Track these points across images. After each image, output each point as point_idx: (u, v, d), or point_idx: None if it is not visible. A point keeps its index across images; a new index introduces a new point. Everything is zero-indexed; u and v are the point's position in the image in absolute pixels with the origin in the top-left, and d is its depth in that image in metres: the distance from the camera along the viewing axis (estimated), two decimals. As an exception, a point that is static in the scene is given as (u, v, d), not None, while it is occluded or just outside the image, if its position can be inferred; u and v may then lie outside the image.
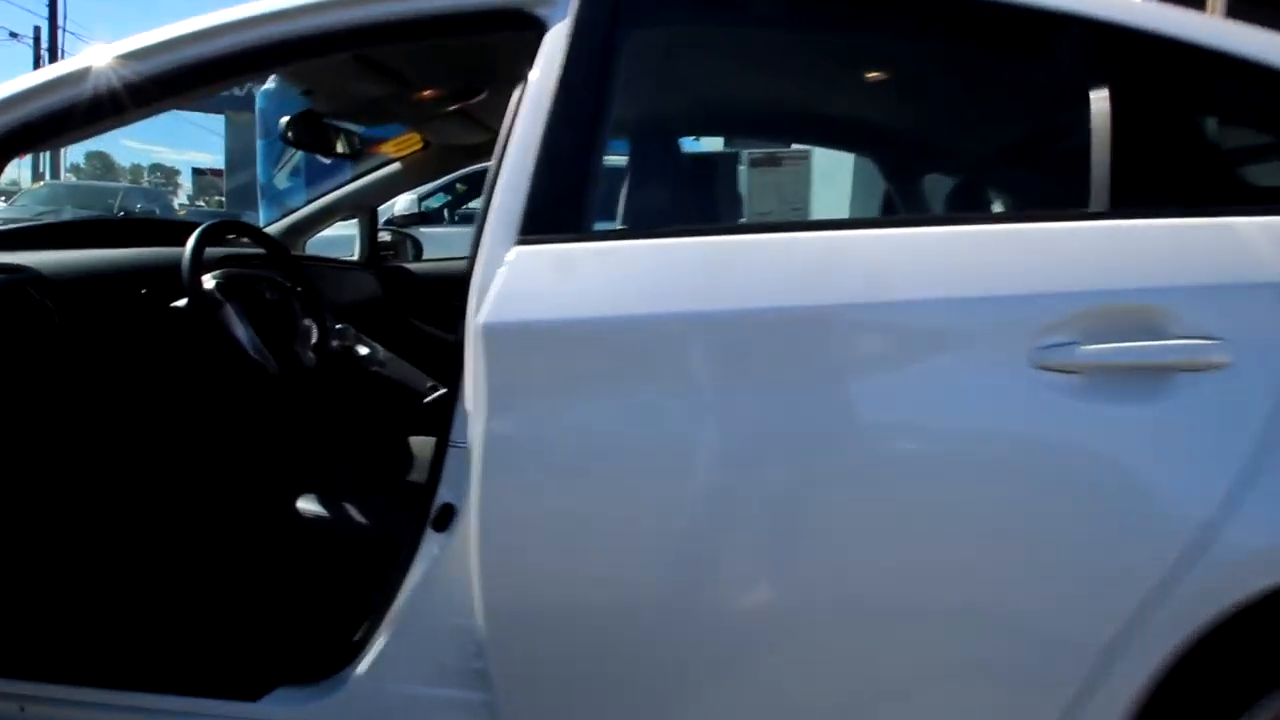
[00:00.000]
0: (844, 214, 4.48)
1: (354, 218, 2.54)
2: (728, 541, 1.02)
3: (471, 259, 1.08)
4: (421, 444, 1.71)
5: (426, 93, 1.72)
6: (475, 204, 6.64)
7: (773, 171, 4.80)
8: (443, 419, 1.11)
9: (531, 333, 1.00)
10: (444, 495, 1.11)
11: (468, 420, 1.06)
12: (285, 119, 1.78)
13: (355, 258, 2.55)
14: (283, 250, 1.68)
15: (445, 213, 6.09)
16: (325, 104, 1.72)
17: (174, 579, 1.42)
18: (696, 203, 1.49)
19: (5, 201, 12.03)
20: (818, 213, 4.79)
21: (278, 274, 1.63)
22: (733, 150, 4.83)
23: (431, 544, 1.11)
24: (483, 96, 1.88)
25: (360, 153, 2.04)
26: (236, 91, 14.36)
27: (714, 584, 1.02)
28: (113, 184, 20.40)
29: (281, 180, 7.27)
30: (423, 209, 5.62)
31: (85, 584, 1.37)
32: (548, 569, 1.04)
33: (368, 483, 1.52)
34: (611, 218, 1.21)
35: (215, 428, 1.61)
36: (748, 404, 0.97)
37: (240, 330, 1.43)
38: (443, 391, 1.81)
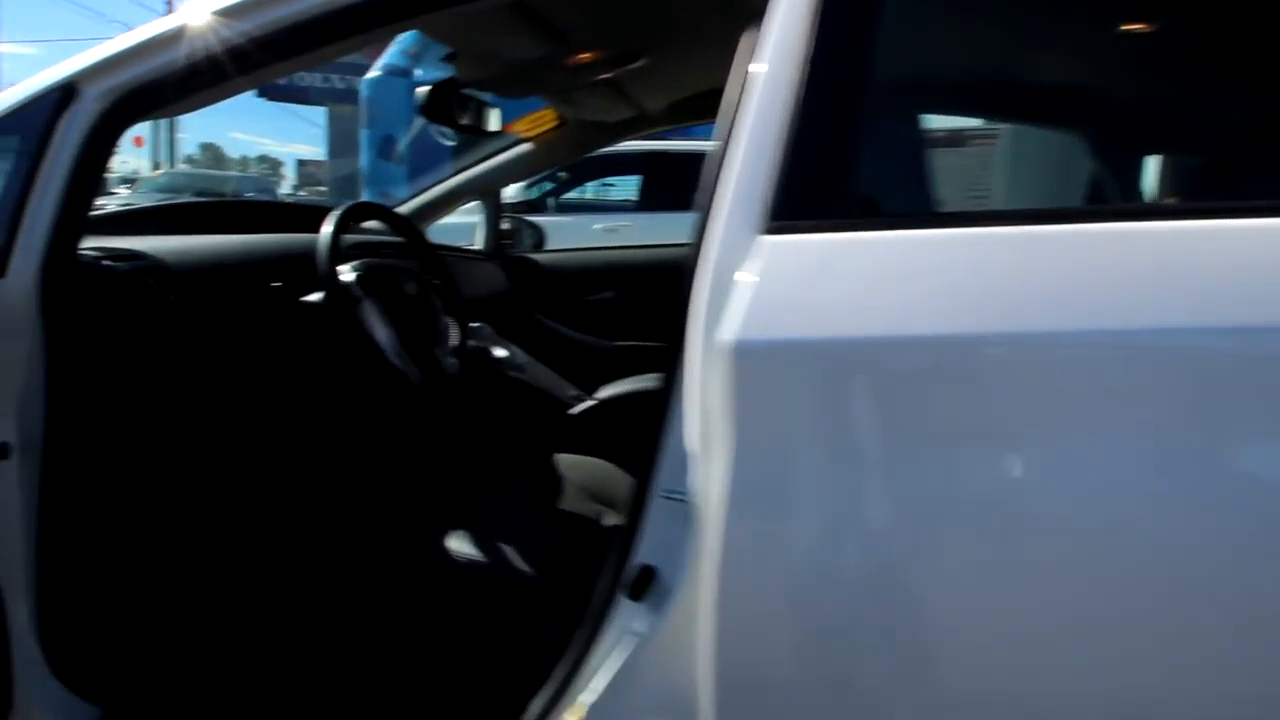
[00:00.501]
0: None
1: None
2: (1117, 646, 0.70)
3: (694, 251, 0.82)
4: (572, 464, 1.48)
5: (583, 55, 1.48)
6: (576, 193, 6.50)
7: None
8: (644, 459, 0.86)
9: (806, 354, 0.73)
10: (644, 555, 0.86)
11: (687, 464, 0.80)
12: (423, 89, 1.57)
13: (477, 246, 2.34)
14: (422, 239, 1.47)
15: (548, 201, 5.91)
16: (469, 69, 1.50)
17: (302, 627, 1.23)
18: (1019, 179, 1.18)
19: (129, 189, 12.68)
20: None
21: (416, 265, 1.42)
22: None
23: (626, 614, 0.86)
24: (639, 64, 1.63)
25: (494, 130, 1.82)
26: (338, 84, 14.80)
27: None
28: (225, 173, 21.46)
29: (384, 169, 7.26)
30: (527, 197, 5.46)
31: (198, 622, 1.19)
32: (814, 657, 0.77)
33: (518, 514, 1.29)
34: (895, 197, 0.92)
35: (349, 444, 1.41)
36: (1139, 458, 0.66)
37: (380, 330, 1.23)
38: (592, 402, 1.58)
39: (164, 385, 1.15)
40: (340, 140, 13.77)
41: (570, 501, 1.37)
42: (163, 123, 21.70)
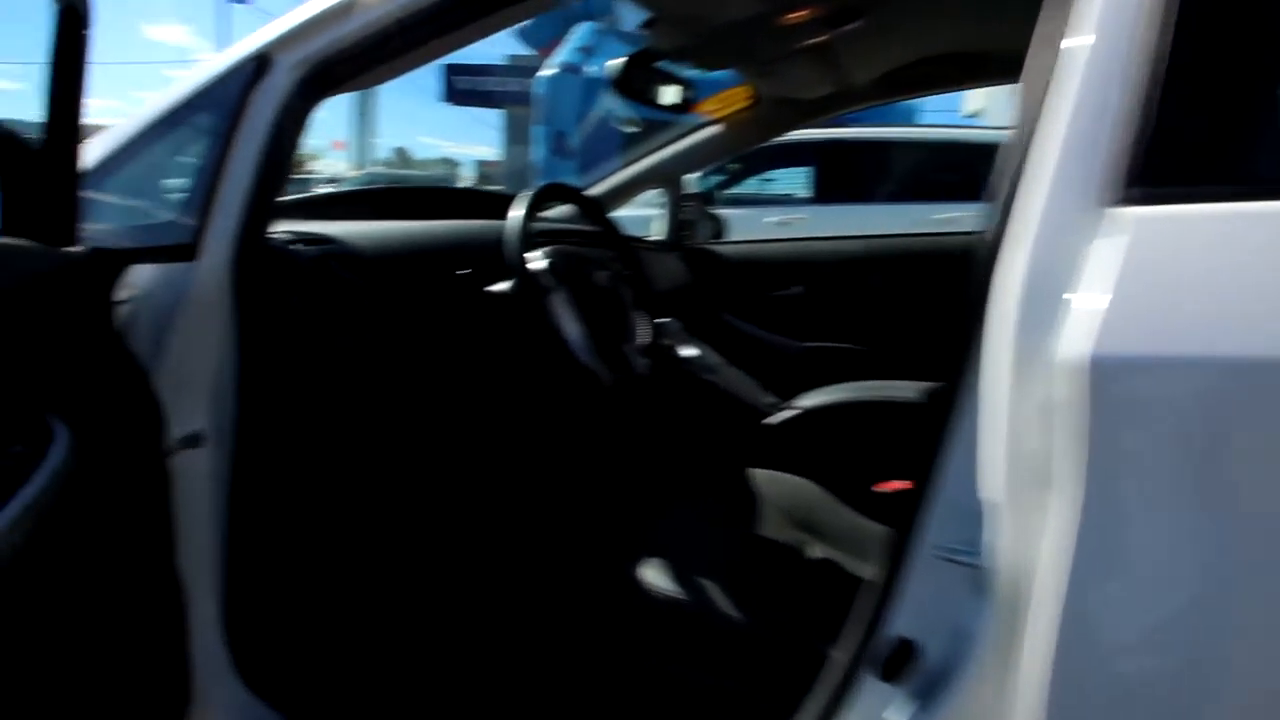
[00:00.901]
0: None
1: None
2: None
3: (996, 236, 0.61)
4: (770, 481, 1.29)
5: (797, 14, 1.28)
6: (747, 186, 6.28)
7: None
8: (906, 506, 0.67)
9: (1199, 374, 0.50)
10: (903, 626, 0.66)
11: (979, 516, 0.60)
12: (614, 63, 1.44)
13: (658, 236, 2.21)
14: (615, 226, 1.34)
15: (717, 194, 5.74)
16: (669, 35, 1.35)
17: (483, 648, 1.13)
18: None
19: (333, 189, 13.86)
20: None
21: (608, 254, 1.29)
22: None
23: (874, 697, 0.67)
24: (857, 24, 1.41)
25: (684, 107, 1.66)
26: (515, 86, 15.41)
27: None
28: (416, 173, 23.22)
29: (556, 164, 7.39)
30: (699, 189, 5.31)
31: (378, 633, 1.12)
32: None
33: (714, 540, 1.13)
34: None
35: (534, 448, 1.31)
36: None
37: (570, 325, 1.10)
38: (793, 412, 1.38)
39: (349, 375, 1.08)
40: (515, 139, 14.32)
41: (769, 526, 1.19)
42: (359, 127, 23.68)
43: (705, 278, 2.16)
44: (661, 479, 1.31)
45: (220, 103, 0.96)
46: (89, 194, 1.01)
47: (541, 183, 1.19)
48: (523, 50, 12.76)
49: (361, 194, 1.55)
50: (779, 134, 2.10)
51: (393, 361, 1.09)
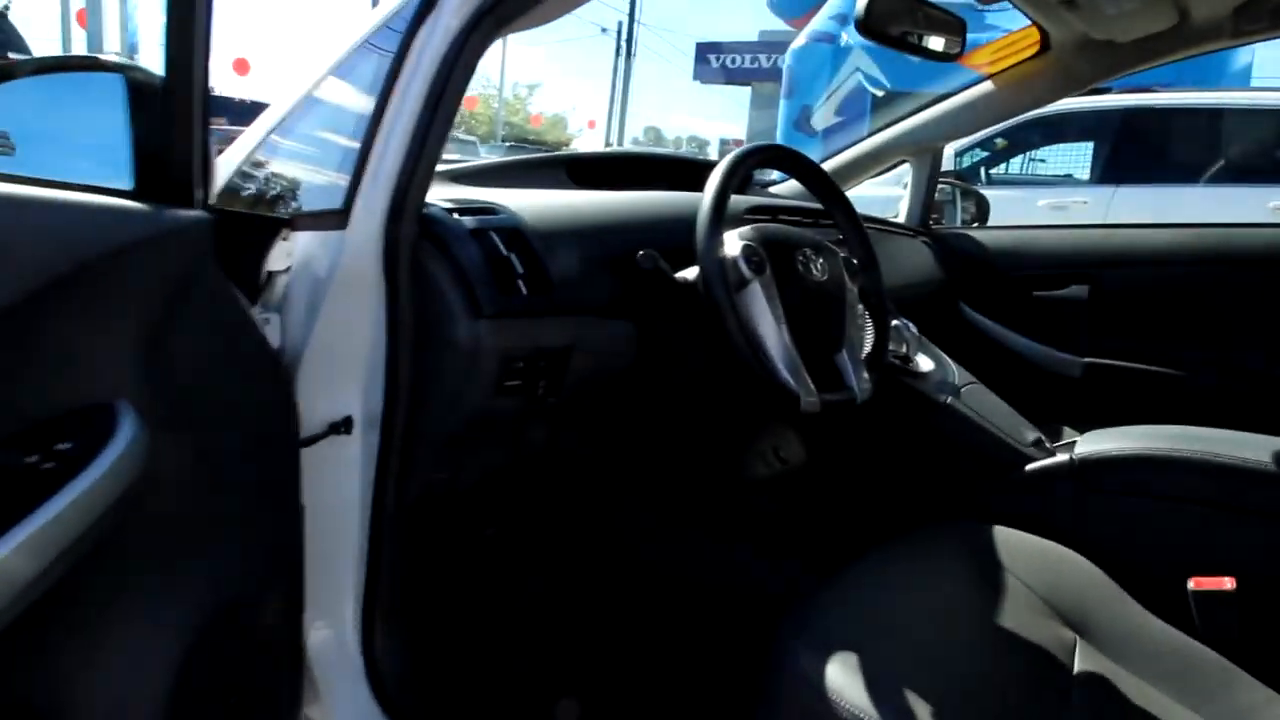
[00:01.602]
0: None
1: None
2: None
3: None
4: (1030, 552, 0.96)
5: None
6: (1010, 165, 5.48)
7: None
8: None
9: None
10: None
11: None
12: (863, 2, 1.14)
13: (900, 218, 1.86)
14: (844, 201, 1.06)
15: (981, 172, 5.05)
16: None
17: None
18: None
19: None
20: None
21: (830, 238, 1.03)
22: None
23: None
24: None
25: (954, 55, 1.33)
26: (763, 63, 15.06)
27: None
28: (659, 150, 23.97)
29: (798, 139, 7.02)
30: (957, 168, 4.68)
31: (522, 664, 0.97)
32: None
33: (943, 633, 0.83)
34: None
35: (715, 486, 1.09)
36: None
37: (770, 329, 0.86)
38: (1062, 459, 1.03)
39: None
40: (761, 116, 14.01)
41: (1021, 615, 0.87)
42: (613, 106, 24.60)
43: (957, 271, 1.79)
44: (875, 534, 1.03)
45: (380, 48, 0.84)
46: (258, 153, 0.95)
47: (747, 145, 0.95)
48: (779, 25, 12.39)
49: (548, 159, 1.39)
50: (1072, 92, 1.65)
51: (553, 357, 0.92)
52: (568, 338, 0.91)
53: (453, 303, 0.86)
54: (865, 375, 0.97)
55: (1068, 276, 1.72)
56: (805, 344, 0.90)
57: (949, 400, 1.13)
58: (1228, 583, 0.90)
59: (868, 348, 1.03)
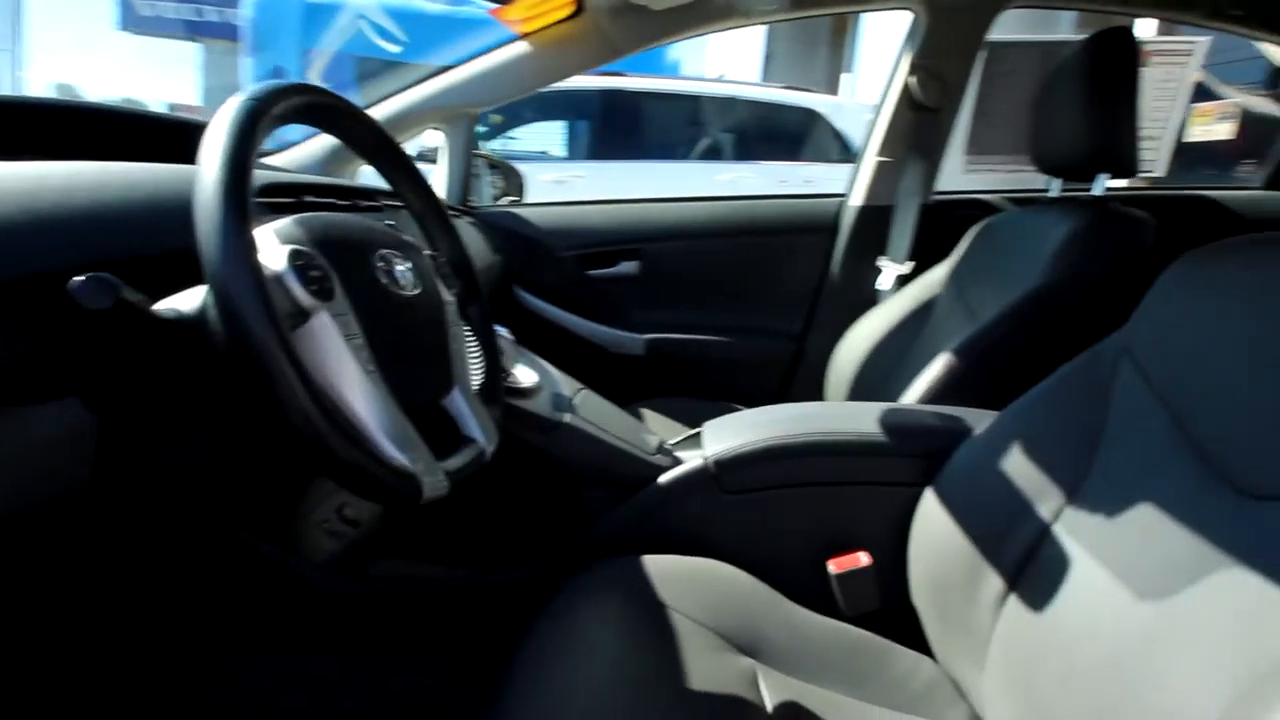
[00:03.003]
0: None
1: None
2: None
3: None
4: (681, 573, 0.83)
5: None
6: (505, 142, 5.62)
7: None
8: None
9: None
10: None
11: None
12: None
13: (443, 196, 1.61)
14: (419, 177, 0.75)
15: (480, 147, 5.03)
16: None
17: None
18: None
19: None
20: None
21: (401, 231, 0.72)
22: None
23: None
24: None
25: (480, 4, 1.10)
26: (213, 17, 13.01)
27: None
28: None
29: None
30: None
31: None
32: None
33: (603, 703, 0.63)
34: None
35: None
36: None
37: (354, 383, 0.53)
38: (696, 464, 0.92)
39: None
40: (219, 81, 12.09)
41: (700, 661, 0.73)
42: None
43: (506, 251, 1.61)
44: (512, 610, 0.79)
45: None
46: None
47: (271, 84, 0.57)
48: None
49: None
50: (605, 60, 1.57)
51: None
52: None
53: None
54: (488, 416, 0.70)
55: (617, 253, 1.68)
56: (406, 393, 0.59)
57: (567, 418, 0.93)
58: (863, 558, 0.89)
59: (479, 378, 0.76)
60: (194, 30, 13.63)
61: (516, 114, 4.98)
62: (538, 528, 0.96)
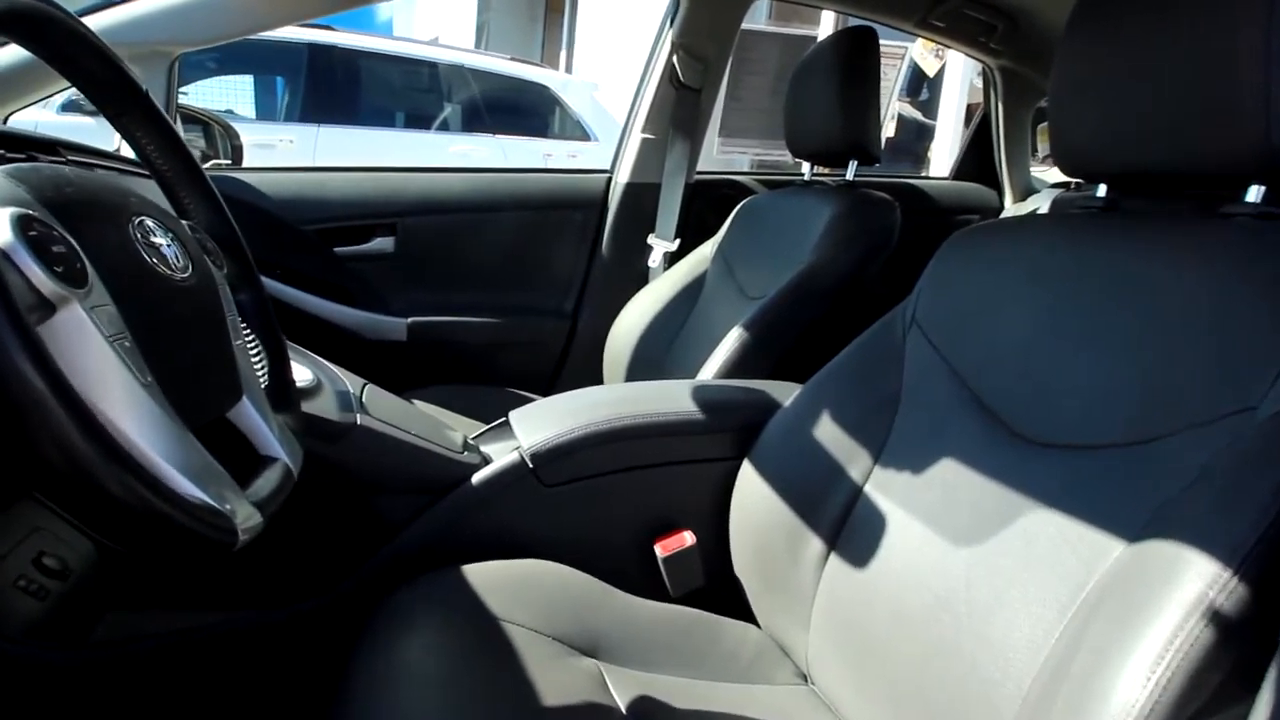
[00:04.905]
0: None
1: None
2: None
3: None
4: (512, 578, 0.76)
5: None
6: (184, 96, 4.80)
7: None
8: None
9: None
10: None
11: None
12: None
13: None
14: (172, 132, 0.57)
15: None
16: None
17: None
18: None
19: None
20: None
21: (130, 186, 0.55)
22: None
23: None
24: None
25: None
26: None
27: None
28: None
29: None
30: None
31: None
32: None
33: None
34: None
35: None
36: None
37: (125, 398, 0.38)
38: (511, 459, 0.84)
39: None
40: None
41: (546, 673, 0.68)
42: None
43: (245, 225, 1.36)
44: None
45: None
46: None
47: None
48: None
49: None
50: (335, 9, 1.38)
51: None
52: None
53: None
54: (285, 426, 0.56)
55: (369, 228, 1.50)
56: (191, 410, 0.45)
57: (359, 419, 0.79)
58: (688, 538, 0.88)
59: (264, 379, 0.61)
60: None
61: (198, 64, 4.28)
62: (332, 546, 0.82)
